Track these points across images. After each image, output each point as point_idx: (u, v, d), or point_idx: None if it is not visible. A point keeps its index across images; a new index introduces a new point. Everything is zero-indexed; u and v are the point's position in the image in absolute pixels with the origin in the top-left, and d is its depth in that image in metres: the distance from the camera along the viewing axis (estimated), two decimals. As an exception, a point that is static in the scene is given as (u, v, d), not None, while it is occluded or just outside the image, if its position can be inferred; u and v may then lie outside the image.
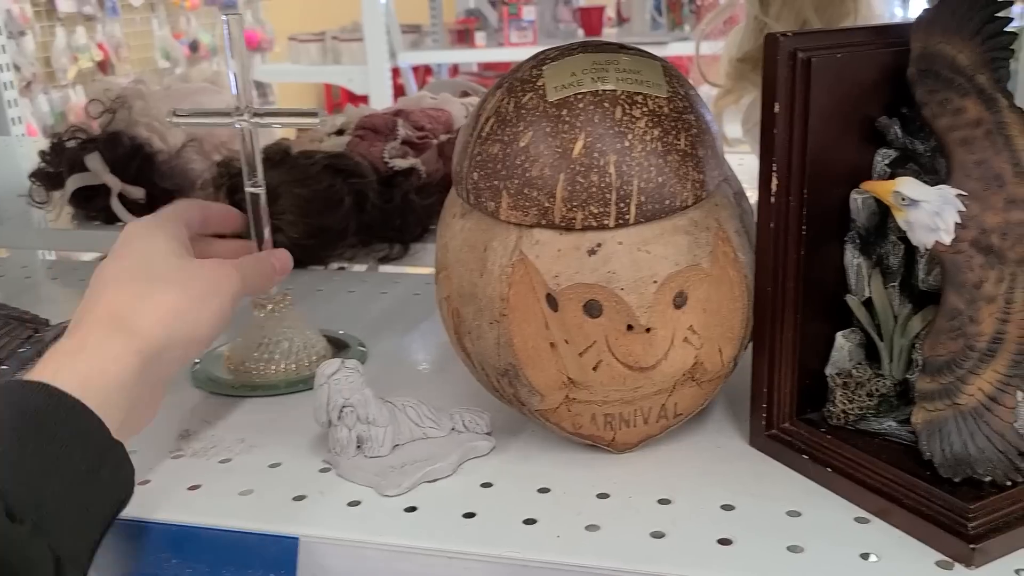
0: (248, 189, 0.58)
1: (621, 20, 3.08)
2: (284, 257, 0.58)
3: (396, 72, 2.90)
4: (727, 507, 0.43)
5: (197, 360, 0.60)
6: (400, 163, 0.85)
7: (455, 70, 3.40)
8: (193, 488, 0.47)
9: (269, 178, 0.80)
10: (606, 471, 0.47)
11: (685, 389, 0.46)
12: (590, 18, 3.06)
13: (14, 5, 3.07)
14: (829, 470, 0.44)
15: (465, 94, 1.10)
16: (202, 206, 0.57)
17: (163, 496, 0.46)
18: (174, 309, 0.45)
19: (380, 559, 0.42)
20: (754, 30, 0.93)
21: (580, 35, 3.10)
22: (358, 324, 0.68)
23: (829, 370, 0.46)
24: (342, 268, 0.84)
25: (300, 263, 0.82)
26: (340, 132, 0.94)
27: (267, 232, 0.59)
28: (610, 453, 0.48)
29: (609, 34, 3.11)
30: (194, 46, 4.27)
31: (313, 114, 0.55)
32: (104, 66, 3.79)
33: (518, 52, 3.04)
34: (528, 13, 2.85)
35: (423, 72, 3.49)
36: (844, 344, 0.45)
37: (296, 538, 0.42)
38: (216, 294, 0.47)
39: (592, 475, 0.46)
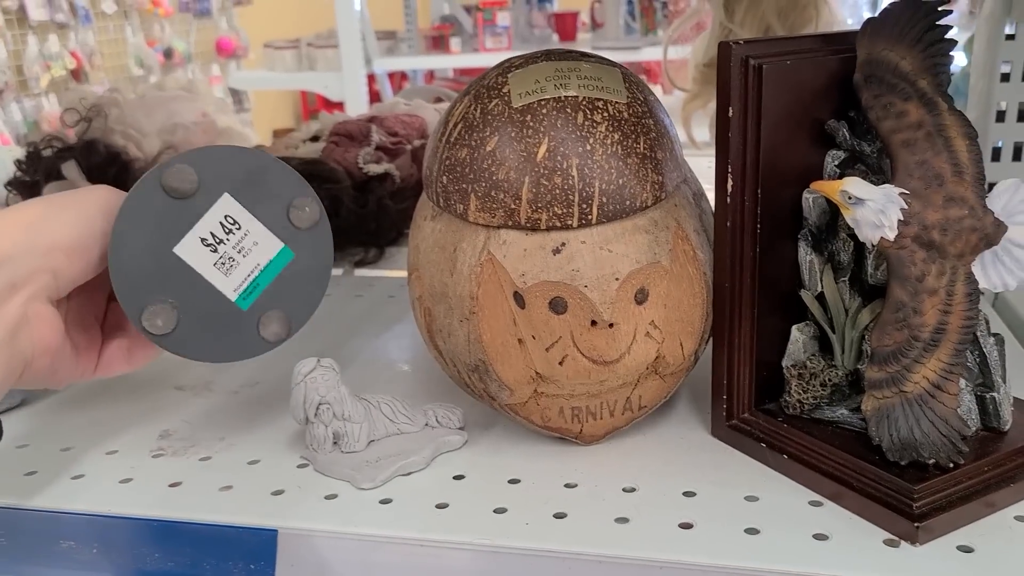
0: None
1: (595, 25, 3.11)
2: None
3: (372, 78, 2.91)
4: (688, 493, 0.45)
5: None
6: (374, 168, 0.87)
7: (431, 76, 3.41)
8: (174, 485, 0.48)
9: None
10: (573, 462, 0.49)
11: (648, 382, 0.48)
12: (564, 23, 3.09)
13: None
14: (785, 457, 0.46)
15: (439, 100, 1.12)
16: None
17: (144, 493, 0.48)
18: (30, 215, 0.41)
19: (356, 549, 0.43)
20: (720, 36, 0.95)
21: (555, 40, 3.12)
22: (334, 325, 0.69)
23: (785, 362, 0.48)
24: (318, 272, 0.86)
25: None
26: (315, 139, 0.96)
27: None
28: (578, 445, 0.50)
29: (583, 39, 3.14)
30: (168, 53, 4.26)
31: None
32: (77, 74, 3.77)
33: (493, 57, 3.06)
34: (503, 19, 2.87)
35: (399, 78, 3.50)
36: (799, 337, 0.47)
37: (275, 530, 0.44)
38: (80, 203, 0.42)
39: (560, 466, 0.48)
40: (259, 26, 4.26)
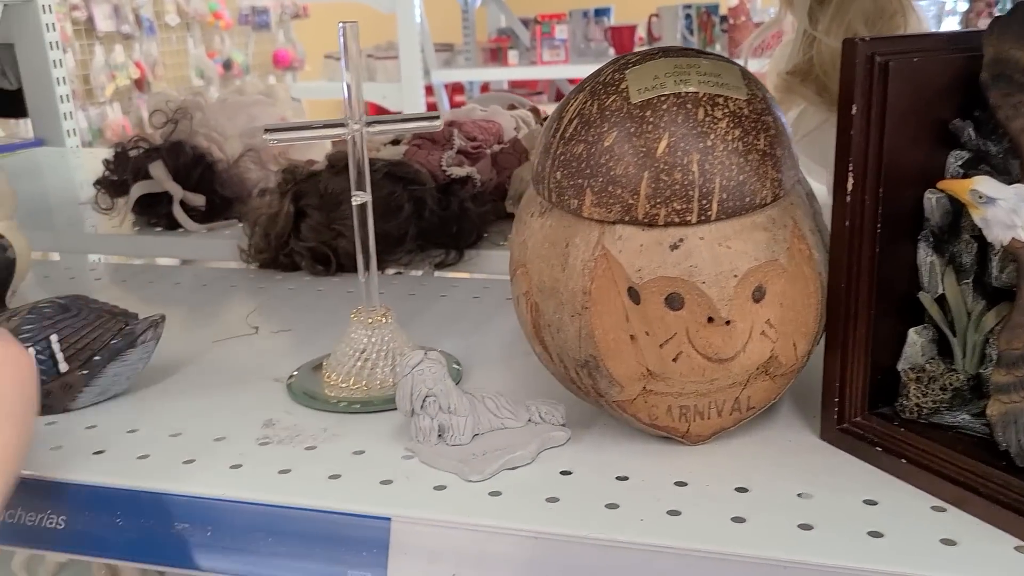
0: (354, 200, 0.57)
1: (652, 39, 3.11)
2: None
3: (429, 89, 2.95)
4: (803, 495, 0.44)
5: (293, 373, 0.61)
6: (457, 171, 0.88)
7: (485, 87, 3.44)
8: (283, 472, 0.49)
9: (333, 184, 0.83)
10: (681, 461, 0.48)
11: (759, 383, 0.48)
12: (621, 37, 3.10)
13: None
14: (903, 461, 0.45)
15: (512, 107, 1.13)
16: None
17: (255, 479, 0.48)
18: None
19: (470, 539, 0.43)
20: (803, 44, 0.94)
21: (611, 54, 3.13)
22: (422, 326, 0.70)
23: (902, 365, 0.47)
24: (399, 273, 0.87)
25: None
26: (396, 142, 0.97)
27: (372, 242, 0.57)
28: (683, 445, 0.50)
29: (639, 53, 3.14)
30: (227, 64, 4.36)
31: (434, 117, 0.56)
32: (140, 84, 3.87)
33: (550, 70, 3.07)
34: (560, 32, 2.88)
35: (452, 89, 3.53)
36: (916, 340, 0.46)
37: (389, 518, 0.44)
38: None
39: (667, 465, 0.48)
40: (316, 38, 4.34)
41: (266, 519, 0.46)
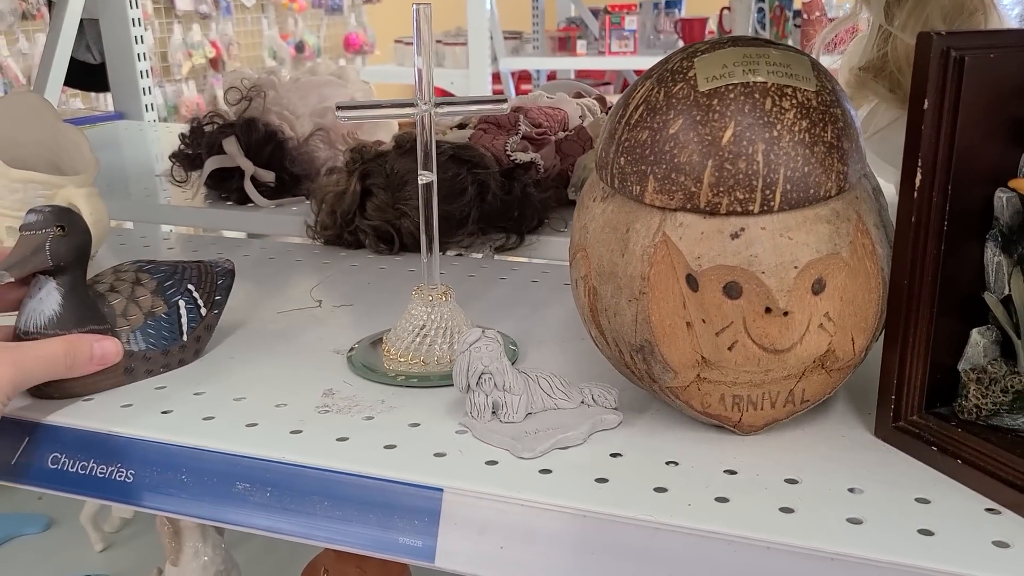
0: (420, 179, 0.58)
1: (723, 32, 3.07)
2: (109, 348, 0.55)
3: (496, 77, 2.96)
4: (854, 490, 0.44)
5: (353, 346, 0.63)
6: (522, 156, 0.88)
7: (552, 76, 3.44)
8: (341, 440, 0.50)
9: (399, 165, 0.85)
10: (731, 450, 0.48)
11: (814, 376, 0.48)
12: (691, 30, 3.06)
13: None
14: (959, 462, 0.44)
15: (579, 95, 1.13)
16: None
17: (314, 444, 0.50)
18: None
19: (519, 514, 0.44)
20: (877, 40, 0.93)
21: (680, 46, 3.10)
22: (481, 306, 0.71)
23: (962, 365, 0.46)
24: (459, 255, 0.88)
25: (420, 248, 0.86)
26: (462, 126, 0.98)
27: (435, 222, 0.59)
28: (734, 434, 0.50)
29: (709, 46, 3.10)
30: (300, 47, 4.43)
31: (502, 100, 0.57)
32: (215, 63, 3.97)
33: (618, 61, 3.06)
34: (630, 23, 2.86)
35: (518, 78, 3.54)
36: (979, 340, 0.46)
37: (441, 489, 0.45)
38: None
39: (718, 452, 0.48)
40: (387, 23, 4.38)
41: (323, 484, 0.48)
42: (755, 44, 0.47)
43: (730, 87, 0.45)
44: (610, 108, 1.08)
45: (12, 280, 0.51)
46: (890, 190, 0.59)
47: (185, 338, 0.59)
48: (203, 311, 0.61)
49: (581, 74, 3.50)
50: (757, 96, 0.44)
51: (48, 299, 0.53)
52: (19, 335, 0.54)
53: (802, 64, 0.46)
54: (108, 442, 0.52)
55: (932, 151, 0.44)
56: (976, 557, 0.39)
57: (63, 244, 0.53)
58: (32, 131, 0.74)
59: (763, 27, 3.02)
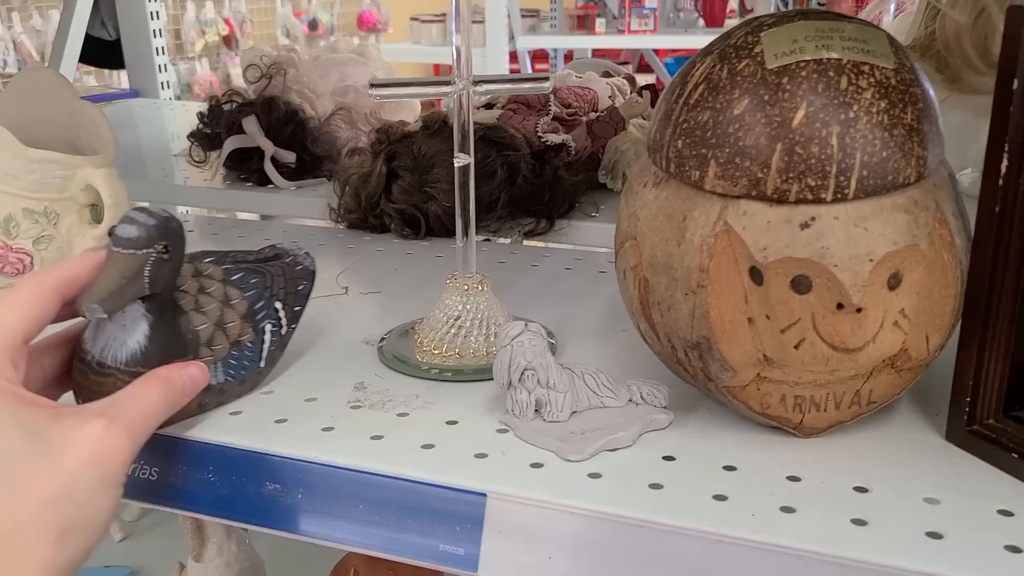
0: (456, 162, 0.55)
1: (745, 11, 3.01)
2: (197, 375, 0.46)
3: (513, 56, 2.91)
4: (930, 500, 0.41)
5: (383, 337, 0.60)
6: (553, 138, 0.85)
7: (569, 56, 3.38)
8: (376, 438, 0.48)
9: (427, 146, 0.82)
10: (792, 454, 0.45)
11: (883, 376, 0.45)
12: (712, 8, 3.00)
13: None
14: (1043, 471, 0.41)
15: (607, 74, 1.09)
16: (34, 303, 0.42)
17: (347, 442, 0.47)
18: (55, 528, 0.36)
19: (569, 522, 0.41)
20: (925, 17, 0.89)
21: (701, 25, 3.04)
22: (513, 296, 0.68)
23: (1046, 366, 0.43)
24: (487, 240, 0.85)
25: (447, 233, 0.83)
26: (489, 106, 0.94)
27: (472, 206, 0.55)
28: (794, 436, 0.47)
29: (731, 25, 3.05)
30: (313, 24, 4.39)
31: (544, 79, 0.53)
32: (228, 41, 3.93)
33: (638, 40, 3.00)
34: (650, 1, 2.81)
35: (534, 57, 3.49)
36: (1065, 340, 0.43)
37: (484, 494, 0.43)
38: (97, 469, 0.38)
39: (778, 457, 0.45)
40: (400, 1, 4.33)
41: (358, 485, 0.45)
42: (827, 17, 0.43)
43: (801, 64, 0.41)
44: (642, 88, 1.04)
45: (107, 317, 0.42)
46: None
47: (263, 364, 0.51)
48: (284, 330, 0.52)
49: (597, 53, 3.44)
50: (831, 74, 0.41)
51: (134, 328, 0.44)
52: (93, 365, 0.44)
53: (879, 40, 0.42)
54: (130, 438, 0.49)
55: (1021, 135, 0.40)
56: (1072, 578, 0.36)
57: (165, 268, 0.43)
58: (48, 108, 0.71)
59: (786, 4, 2.96)
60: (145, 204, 0.47)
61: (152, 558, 0.93)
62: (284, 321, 0.52)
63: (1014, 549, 0.37)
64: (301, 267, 0.55)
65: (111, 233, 0.43)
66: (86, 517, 0.38)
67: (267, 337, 0.51)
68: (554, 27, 3.04)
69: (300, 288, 0.54)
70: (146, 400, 0.42)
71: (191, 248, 0.48)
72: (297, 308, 0.54)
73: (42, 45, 3.17)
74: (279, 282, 0.52)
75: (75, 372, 0.45)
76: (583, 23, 2.93)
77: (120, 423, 0.40)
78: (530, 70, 3.06)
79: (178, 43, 3.73)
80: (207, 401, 0.49)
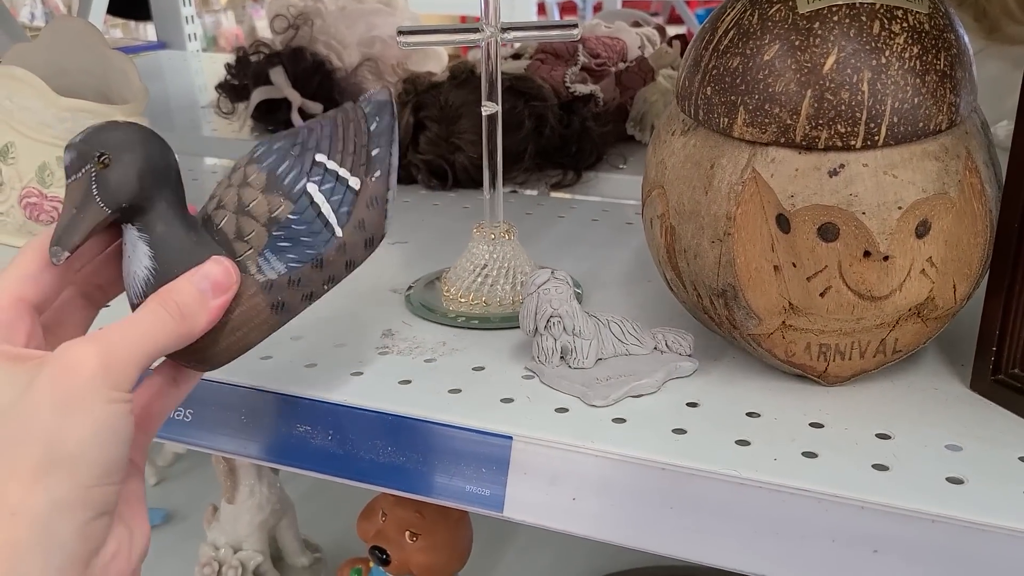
0: (484, 110, 0.54)
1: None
2: (215, 271, 0.38)
3: (540, 8, 2.87)
4: (952, 447, 0.41)
5: (411, 285, 0.60)
6: (581, 88, 0.84)
7: (599, 7, 3.33)
8: (403, 383, 0.48)
9: (453, 97, 0.81)
10: (816, 401, 0.46)
11: (908, 325, 0.45)
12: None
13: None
14: (1068, 420, 0.41)
15: (637, 24, 1.08)
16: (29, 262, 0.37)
17: (376, 387, 0.48)
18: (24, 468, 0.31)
19: (593, 465, 0.42)
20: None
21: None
22: (540, 246, 0.68)
23: (1074, 316, 0.43)
24: (514, 191, 0.85)
25: (474, 184, 0.83)
26: (517, 56, 0.94)
27: (499, 156, 0.55)
28: (819, 385, 0.47)
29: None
30: (338, -24, 4.35)
31: (572, 25, 0.53)
32: (254, -7, 3.90)
33: (667, -9, 2.94)
34: (681, -50, 2.75)
35: (562, 8, 3.44)
36: (1095, 290, 0.42)
37: (511, 436, 0.43)
38: (55, 389, 0.32)
39: (802, 404, 0.46)
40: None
41: (387, 428, 0.46)
42: (860, -39, 0.43)
43: (833, 9, 0.41)
44: (672, 38, 1.03)
45: (69, 254, 0.36)
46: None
47: (340, 232, 0.41)
48: (353, 181, 0.41)
49: (627, 3, 3.38)
50: (864, 19, 0.40)
51: (136, 254, 0.38)
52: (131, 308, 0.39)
53: (913, -17, 0.42)
54: (165, 381, 0.50)
55: (1057, 81, 0.40)
56: (1093, 523, 0.36)
57: (112, 176, 0.37)
58: (79, 58, 0.72)
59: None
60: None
61: (185, 501, 0.95)
62: (344, 171, 0.41)
63: (1035, 495, 0.38)
64: (370, 103, 0.44)
65: None
66: (58, 448, 0.32)
67: (320, 199, 0.40)
68: (581, -23, 2.99)
69: (373, 127, 0.43)
70: (135, 321, 0.36)
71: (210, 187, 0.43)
72: (375, 151, 0.42)
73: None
74: (322, 133, 0.42)
75: None
76: (612, -27, 2.88)
77: (91, 339, 0.34)
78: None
79: (204, -5, 3.71)
80: (282, 299, 0.40)
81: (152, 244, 0.38)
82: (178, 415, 0.50)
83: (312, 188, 0.40)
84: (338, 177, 0.41)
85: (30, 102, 0.64)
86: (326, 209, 0.41)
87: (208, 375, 0.49)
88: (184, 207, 0.40)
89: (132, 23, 2.62)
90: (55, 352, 0.33)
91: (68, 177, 0.37)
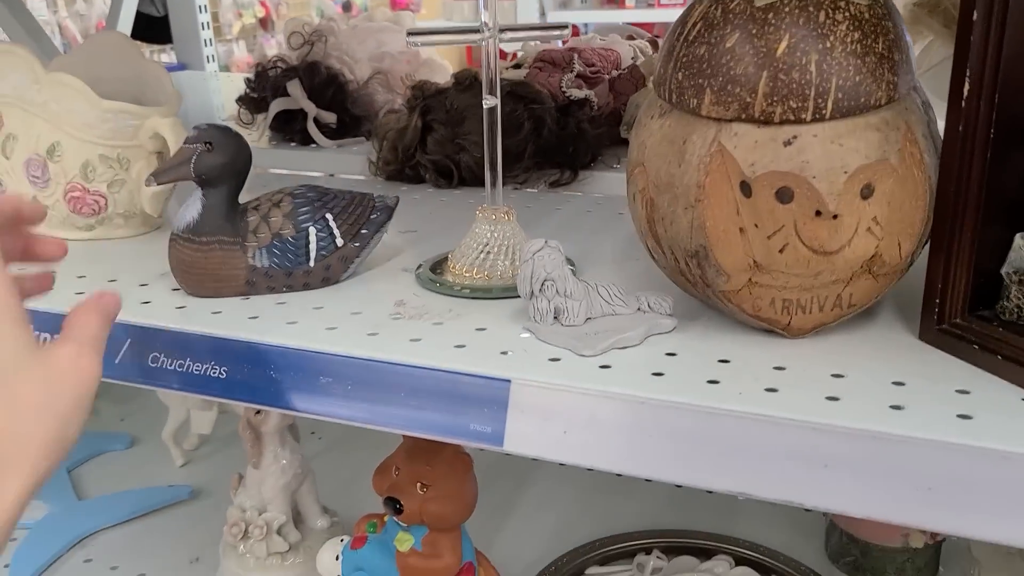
0: (485, 103, 0.61)
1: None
2: (111, 300, 0.45)
3: (543, 32, 2.96)
4: (897, 383, 0.47)
5: (420, 264, 0.66)
6: (576, 93, 0.91)
7: (600, 33, 3.42)
8: (414, 340, 0.54)
9: (459, 101, 0.88)
10: (781, 350, 0.51)
11: (861, 281, 0.50)
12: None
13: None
14: (999, 358, 0.47)
15: (631, 37, 1.15)
16: None
17: (389, 343, 0.54)
18: (44, 438, 0.38)
19: (581, 402, 0.48)
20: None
21: (730, -1, 3.05)
22: (538, 231, 0.74)
23: (1005, 269, 0.49)
24: (515, 189, 0.91)
25: (479, 182, 0.89)
26: (518, 66, 1.01)
27: (499, 145, 0.62)
28: (784, 337, 0.53)
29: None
30: (347, 6, 4.46)
31: (563, 27, 0.60)
32: (265, 23, 4.01)
33: (669, 14, 3.03)
34: (679, -25, 2.84)
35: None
36: (1022, 244, 0.48)
37: (509, 380, 0.49)
38: (75, 387, 0.40)
39: (768, 353, 0.51)
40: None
41: (399, 377, 0.52)
42: (810, -40, 0.49)
43: (785, 2, 0.47)
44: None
45: (157, 184, 0.60)
46: (942, 126, 0.61)
47: (312, 263, 0.61)
48: (339, 241, 0.62)
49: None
50: (811, 9, 0.47)
51: (191, 207, 0.60)
52: (171, 236, 0.61)
53: (856, -21, 0.48)
54: (204, 343, 0.56)
55: (980, 62, 0.46)
56: (1011, 433, 0.41)
57: (207, 160, 0.59)
58: (116, 68, 0.79)
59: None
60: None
61: (209, 480, 1.02)
62: (336, 232, 0.62)
63: (965, 416, 0.43)
64: (379, 202, 0.65)
65: None
66: (64, 432, 0.39)
67: (312, 239, 0.61)
68: (585, 2, 3.09)
69: (373, 216, 0.64)
70: (92, 325, 0.43)
71: (242, 198, 0.62)
72: (363, 231, 0.64)
73: (86, 29, 3.28)
74: (339, 203, 0.63)
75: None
76: (613, -2, 2.98)
77: (87, 346, 0.41)
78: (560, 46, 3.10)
79: (216, 25, 3.82)
80: (255, 280, 0.61)
81: (203, 206, 0.61)
82: (214, 372, 0.56)
83: (312, 230, 0.62)
84: (331, 232, 0.62)
85: (75, 105, 0.71)
86: (312, 246, 0.62)
87: (241, 336, 0.55)
88: (237, 195, 0.62)
89: (151, 47, 2.71)
90: (56, 346, 0.41)
91: (185, 143, 0.60)
